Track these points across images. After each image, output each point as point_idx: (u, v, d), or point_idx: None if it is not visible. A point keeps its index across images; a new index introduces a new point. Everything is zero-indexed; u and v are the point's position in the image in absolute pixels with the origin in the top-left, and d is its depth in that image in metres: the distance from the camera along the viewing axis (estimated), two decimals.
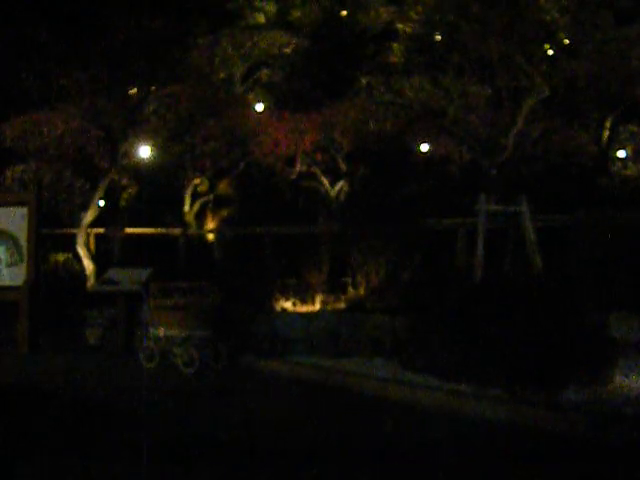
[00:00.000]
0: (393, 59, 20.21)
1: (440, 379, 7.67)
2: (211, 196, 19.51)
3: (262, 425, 6.72)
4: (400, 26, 19.77)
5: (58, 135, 15.49)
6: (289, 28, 21.20)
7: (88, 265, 15.12)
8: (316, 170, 17.94)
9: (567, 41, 15.78)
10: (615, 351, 7.62)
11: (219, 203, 19.83)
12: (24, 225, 11.45)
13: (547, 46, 15.92)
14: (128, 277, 10.52)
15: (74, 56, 15.90)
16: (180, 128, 16.97)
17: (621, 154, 17.65)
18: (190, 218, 18.97)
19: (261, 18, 22.11)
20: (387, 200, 13.89)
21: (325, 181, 18.03)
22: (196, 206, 19.26)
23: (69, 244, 15.38)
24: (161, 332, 9.53)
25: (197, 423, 6.81)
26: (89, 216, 15.53)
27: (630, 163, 17.48)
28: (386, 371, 8.34)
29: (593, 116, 18.02)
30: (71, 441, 6.18)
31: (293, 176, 18.18)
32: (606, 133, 18.16)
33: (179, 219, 18.63)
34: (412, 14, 18.38)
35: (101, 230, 17.00)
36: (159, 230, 17.59)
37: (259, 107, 19.52)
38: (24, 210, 11.48)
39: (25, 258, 11.43)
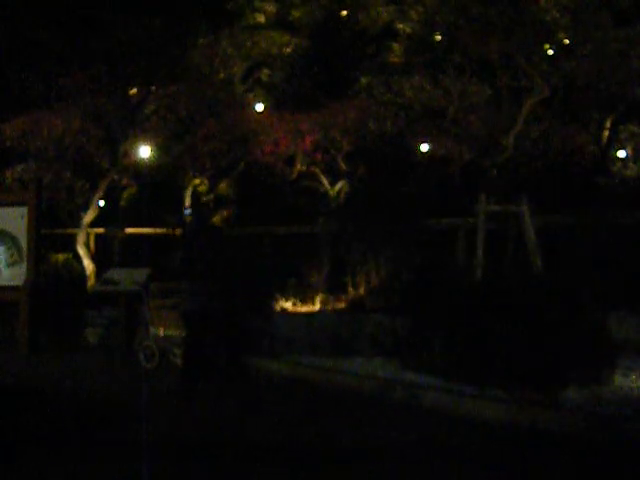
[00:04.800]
0: (393, 59, 20.20)
1: (440, 379, 7.67)
2: (211, 196, 19.52)
3: (262, 425, 6.72)
4: (400, 26, 19.76)
5: (58, 135, 15.49)
6: (289, 28, 21.19)
7: (88, 265, 15.13)
8: (316, 170, 17.94)
9: (567, 41, 15.78)
10: (615, 351, 7.62)
11: (219, 203, 19.84)
12: (24, 225, 11.43)
13: (547, 46, 15.91)
14: (128, 277, 10.51)
15: (74, 56, 15.90)
16: (180, 128, 16.98)
17: (621, 154, 17.66)
18: (190, 218, 18.97)
19: (261, 18, 22.09)
20: (387, 200, 13.90)
21: (325, 181, 18.03)
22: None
23: (69, 244, 15.38)
24: (161, 332, 9.53)
25: (197, 423, 6.81)
26: (89, 216, 15.54)
27: (630, 163, 17.48)
28: (386, 371, 8.34)
29: (593, 116, 18.02)
30: (71, 441, 6.18)
31: (293, 176, 18.18)
32: (606, 133, 18.16)
33: (179, 219, 18.63)
34: (412, 14, 18.38)
35: (101, 230, 17.00)
36: (159, 230, 17.59)
37: (259, 107, 19.51)
38: (24, 210, 11.46)
39: (25, 258, 11.42)
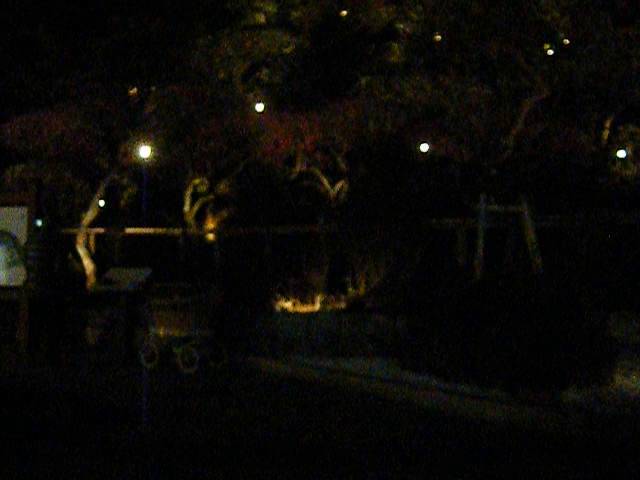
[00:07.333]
0: (393, 59, 20.22)
1: (440, 379, 7.67)
2: (211, 196, 19.50)
3: (262, 425, 6.72)
4: (400, 26, 19.77)
5: (58, 135, 15.48)
6: (289, 28, 21.20)
7: (88, 265, 15.13)
8: (316, 170, 17.94)
9: (567, 41, 15.78)
10: (615, 351, 7.62)
11: (219, 203, 19.82)
12: (24, 225, 11.43)
13: (547, 46, 15.92)
14: (128, 277, 10.51)
15: (74, 56, 15.91)
16: (180, 128, 16.97)
17: (621, 154, 17.66)
18: (190, 218, 18.96)
19: (261, 18, 22.10)
20: (387, 200, 13.89)
21: (325, 181, 18.03)
22: (196, 206, 19.25)
23: (69, 244, 15.37)
24: (161, 332, 9.53)
25: (197, 423, 6.81)
26: (89, 216, 15.54)
27: (630, 163, 17.49)
28: (386, 371, 8.35)
29: (593, 116, 18.03)
30: (70, 441, 6.18)
31: (293, 176, 18.18)
32: (606, 133, 18.17)
33: (179, 219, 18.63)
34: (412, 14, 18.39)
35: (101, 230, 17.00)
36: (159, 230, 17.58)
37: (259, 107, 19.51)
38: (24, 210, 11.46)
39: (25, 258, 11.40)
